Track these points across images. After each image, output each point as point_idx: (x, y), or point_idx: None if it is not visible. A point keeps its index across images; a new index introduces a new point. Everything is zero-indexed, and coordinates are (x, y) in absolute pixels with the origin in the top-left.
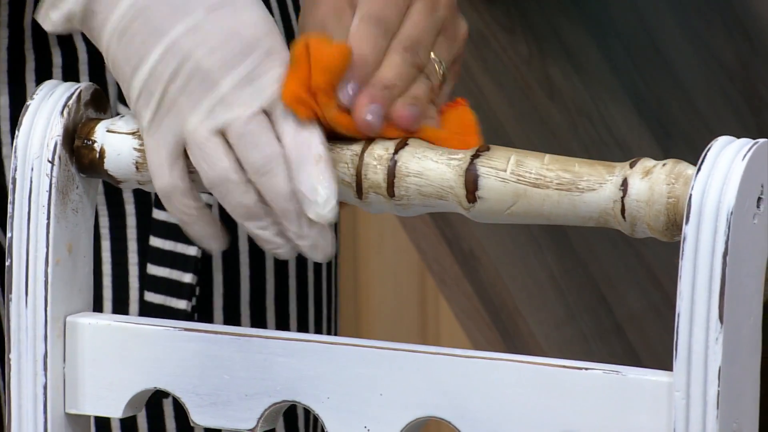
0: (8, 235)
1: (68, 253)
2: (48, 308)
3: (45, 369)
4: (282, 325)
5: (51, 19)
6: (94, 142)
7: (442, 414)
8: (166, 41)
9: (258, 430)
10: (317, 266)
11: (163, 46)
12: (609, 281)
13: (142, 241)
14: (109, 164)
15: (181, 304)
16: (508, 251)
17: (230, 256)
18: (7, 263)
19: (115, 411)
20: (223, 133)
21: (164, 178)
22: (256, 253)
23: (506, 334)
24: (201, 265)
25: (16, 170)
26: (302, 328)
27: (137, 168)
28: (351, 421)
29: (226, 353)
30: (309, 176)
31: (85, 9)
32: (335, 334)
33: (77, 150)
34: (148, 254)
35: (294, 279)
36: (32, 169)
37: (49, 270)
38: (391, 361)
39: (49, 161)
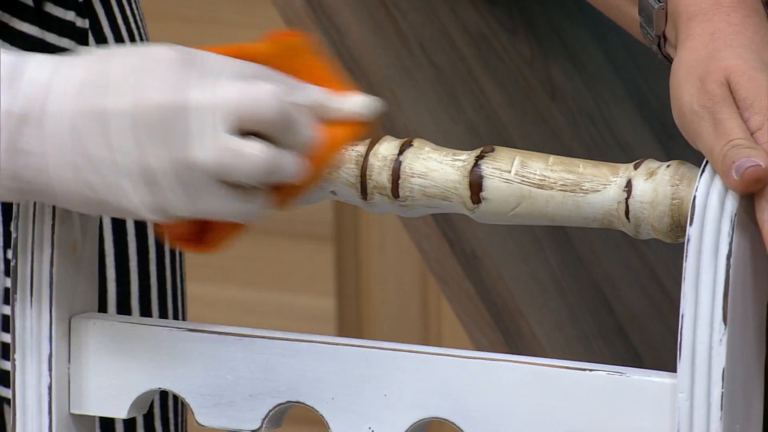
0: (13, 235)
1: (73, 253)
2: (53, 308)
3: (50, 369)
4: (123, 310)
5: None
6: None
7: (444, 415)
8: None
9: (263, 431)
10: (159, 253)
11: None
12: (611, 282)
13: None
14: None
15: None
16: (510, 252)
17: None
18: (12, 263)
19: (119, 411)
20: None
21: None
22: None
23: (508, 334)
24: None
25: None
26: (145, 312)
27: None
28: (355, 422)
29: (229, 354)
30: None
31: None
32: (183, 318)
33: None
34: None
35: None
36: None
37: (54, 270)
38: (393, 362)
39: None
